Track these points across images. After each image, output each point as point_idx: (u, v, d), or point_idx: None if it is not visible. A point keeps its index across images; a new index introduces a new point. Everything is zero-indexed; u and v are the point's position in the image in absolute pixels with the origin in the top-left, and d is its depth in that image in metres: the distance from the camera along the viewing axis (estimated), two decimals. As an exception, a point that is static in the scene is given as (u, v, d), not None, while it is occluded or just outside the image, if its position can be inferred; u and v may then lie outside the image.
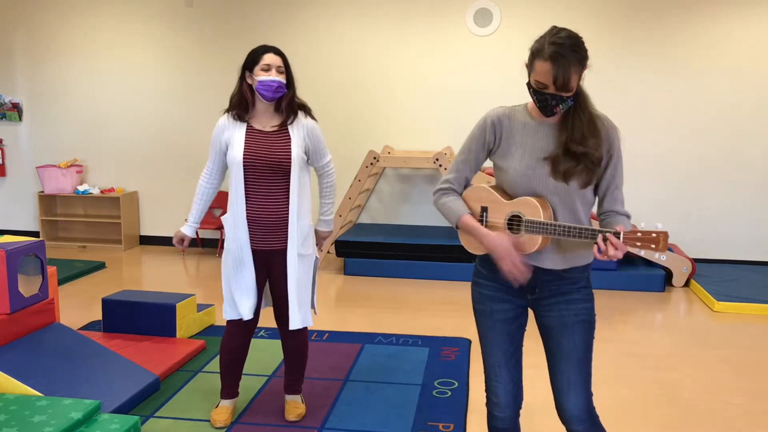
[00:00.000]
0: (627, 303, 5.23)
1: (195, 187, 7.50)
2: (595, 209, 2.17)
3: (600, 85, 6.19)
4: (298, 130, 2.93)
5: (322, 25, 6.58)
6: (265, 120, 2.92)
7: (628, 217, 2.08)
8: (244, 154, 2.83)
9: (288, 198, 2.90)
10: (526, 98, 2.08)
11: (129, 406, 3.14)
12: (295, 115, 2.93)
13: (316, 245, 3.10)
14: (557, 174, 2.00)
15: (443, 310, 4.98)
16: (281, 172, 2.87)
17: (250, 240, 2.90)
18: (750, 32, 6.05)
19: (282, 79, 2.85)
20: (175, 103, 6.90)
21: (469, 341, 4.26)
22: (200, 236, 7.06)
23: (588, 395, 2.11)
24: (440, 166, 5.79)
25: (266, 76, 2.82)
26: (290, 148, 2.87)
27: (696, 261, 5.98)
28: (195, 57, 6.78)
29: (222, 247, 6.76)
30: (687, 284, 5.74)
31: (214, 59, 6.70)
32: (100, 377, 3.20)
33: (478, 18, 6.36)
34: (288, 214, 2.91)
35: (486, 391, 2.24)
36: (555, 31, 1.92)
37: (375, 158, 5.91)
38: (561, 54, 1.87)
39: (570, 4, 6.22)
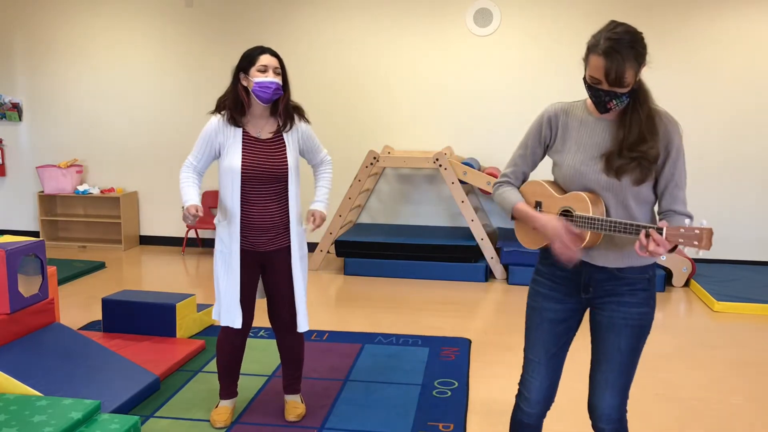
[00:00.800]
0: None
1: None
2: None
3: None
4: (293, 136, 2.93)
5: (321, 25, 6.58)
6: (261, 125, 2.88)
7: (690, 217, 1.98)
8: (242, 164, 2.81)
9: (284, 202, 2.91)
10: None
11: (129, 406, 3.14)
12: (292, 120, 2.91)
13: (312, 222, 3.00)
14: (610, 170, 1.97)
15: (443, 310, 4.98)
16: (278, 179, 2.87)
17: (243, 242, 2.90)
18: (752, 32, 6.05)
19: (279, 80, 2.82)
20: (176, 103, 6.90)
21: (469, 341, 4.26)
22: (200, 236, 7.06)
23: (623, 398, 2.11)
24: (440, 166, 5.79)
25: (263, 77, 2.78)
26: (286, 157, 2.87)
27: (696, 261, 5.98)
28: (195, 57, 6.78)
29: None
30: (687, 284, 5.74)
31: (214, 59, 6.70)
32: (100, 377, 3.20)
33: (478, 18, 6.36)
34: (285, 217, 2.92)
35: (519, 384, 2.24)
36: (612, 26, 1.90)
37: (375, 158, 5.90)
38: (616, 49, 1.84)
39: (570, 4, 6.22)
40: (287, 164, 2.86)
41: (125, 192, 7.05)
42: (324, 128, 6.53)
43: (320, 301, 5.17)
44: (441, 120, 6.50)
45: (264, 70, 2.79)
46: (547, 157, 2.18)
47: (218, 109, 2.90)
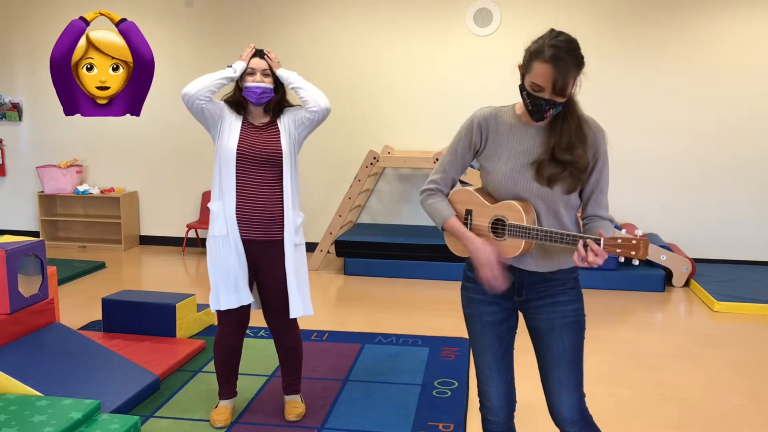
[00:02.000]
0: (627, 303, 5.22)
1: (195, 187, 7.46)
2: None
3: (601, 86, 6.21)
4: (286, 120, 2.97)
5: (321, 25, 6.58)
6: (257, 118, 2.96)
7: (612, 221, 2.05)
8: (238, 146, 2.86)
9: (279, 190, 2.92)
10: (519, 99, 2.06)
11: (129, 406, 3.14)
12: (280, 108, 2.97)
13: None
14: (541, 179, 1.97)
15: (443, 310, 4.98)
16: (273, 164, 2.89)
17: (240, 230, 2.90)
18: (752, 32, 6.05)
19: (268, 83, 2.87)
20: (176, 102, 6.89)
21: (469, 341, 4.25)
22: (200, 236, 7.06)
23: (580, 396, 2.10)
24: (440, 166, 5.78)
25: (251, 81, 2.86)
26: (280, 142, 2.91)
27: (696, 261, 5.98)
28: (195, 57, 6.78)
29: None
30: (687, 284, 5.73)
31: (214, 59, 6.70)
32: (100, 377, 3.20)
33: (478, 18, 6.36)
34: (280, 206, 2.92)
35: (479, 395, 2.23)
36: (554, 33, 1.89)
37: (375, 158, 5.90)
38: (561, 57, 1.84)
39: (570, 3, 6.22)
40: (281, 148, 2.90)
41: (125, 192, 7.05)
42: (324, 128, 6.50)
43: (320, 301, 5.17)
44: (441, 120, 6.50)
45: (252, 72, 2.87)
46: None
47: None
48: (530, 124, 2.03)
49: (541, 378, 2.14)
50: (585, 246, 1.85)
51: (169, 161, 7.01)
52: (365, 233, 6.17)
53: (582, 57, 1.89)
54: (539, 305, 2.08)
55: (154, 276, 6.05)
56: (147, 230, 7.24)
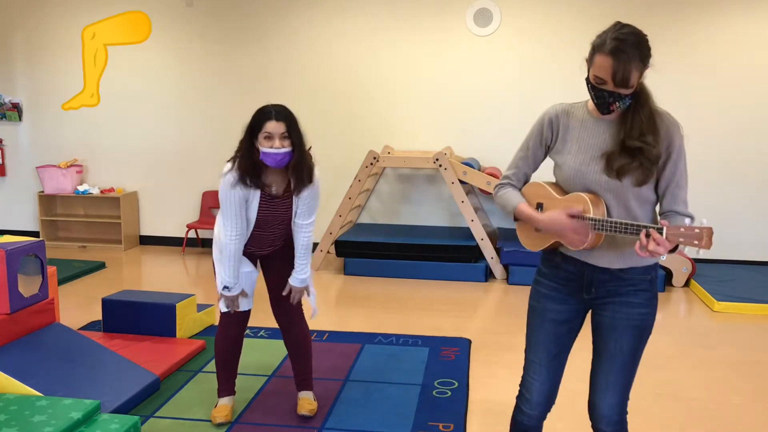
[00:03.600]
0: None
1: (195, 187, 7.48)
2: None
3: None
4: (298, 198, 2.95)
5: (321, 25, 6.58)
6: (275, 180, 2.89)
7: (691, 218, 1.97)
8: (257, 218, 2.90)
9: (288, 228, 3.03)
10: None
11: (129, 406, 3.14)
12: (302, 183, 2.87)
13: (290, 299, 3.07)
14: (611, 170, 1.96)
15: (443, 310, 4.98)
16: (282, 222, 2.99)
17: (249, 250, 3.04)
18: (752, 32, 6.05)
19: (286, 146, 2.77)
20: (175, 102, 6.90)
21: (469, 341, 4.26)
22: (200, 236, 7.06)
23: (624, 399, 2.11)
24: (440, 166, 5.79)
25: (268, 147, 2.75)
26: (292, 212, 2.97)
27: (696, 261, 5.98)
28: (195, 56, 6.78)
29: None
30: (687, 284, 5.73)
31: (214, 59, 6.70)
32: (100, 377, 3.20)
33: (478, 18, 6.36)
34: (288, 234, 3.06)
35: (520, 385, 2.23)
36: (618, 26, 1.90)
37: (375, 158, 5.90)
38: (622, 49, 1.84)
39: (570, 4, 6.22)
40: (291, 217, 2.98)
41: (125, 192, 7.04)
42: (324, 128, 6.54)
43: (320, 301, 5.17)
44: (441, 120, 6.49)
45: (269, 137, 2.76)
46: (548, 158, 2.18)
47: (236, 168, 2.82)
48: (601, 118, 2.02)
49: (590, 372, 2.14)
50: (647, 235, 1.83)
51: (169, 161, 7.01)
52: (365, 233, 6.17)
53: (647, 48, 1.88)
54: (607, 302, 2.07)
55: (154, 276, 6.04)
56: (147, 230, 7.24)
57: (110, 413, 2.83)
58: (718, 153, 6.21)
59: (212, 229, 6.70)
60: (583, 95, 2.05)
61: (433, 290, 5.51)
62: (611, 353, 2.07)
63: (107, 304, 4.11)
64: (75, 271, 5.79)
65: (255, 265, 3.08)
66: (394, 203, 6.74)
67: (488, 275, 5.88)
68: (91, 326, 4.42)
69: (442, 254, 5.81)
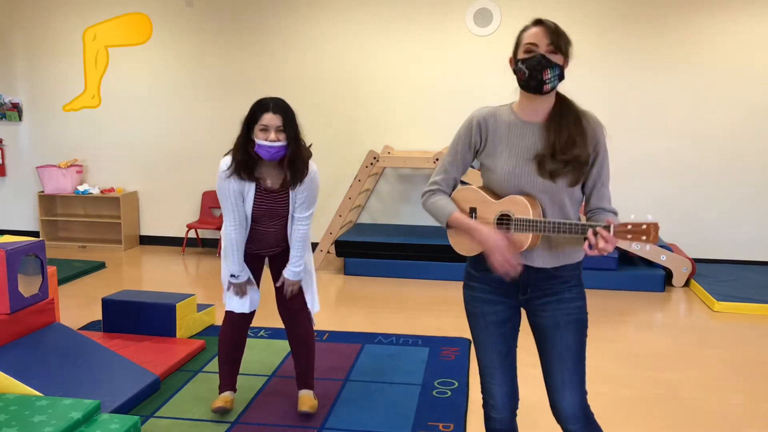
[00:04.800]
0: (627, 303, 5.22)
1: (195, 187, 7.47)
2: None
3: (601, 85, 6.21)
4: (295, 192, 2.97)
5: (321, 25, 6.58)
6: (271, 174, 2.92)
7: (615, 213, 2.07)
8: (253, 210, 2.93)
9: (285, 225, 3.06)
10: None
11: (129, 406, 3.14)
12: (298, 176, 2.89)
13: (284, 291, 3.11)
14: (544, 173, 1.99)
15: (443, 310, 4.98)
16: (280, 217, 3.02)
17: (249, 248, 3.07)
18: (752, 32, 6.05)
19: (282, 140, 2.78)
20: (175, 102, 6.90)
21: (469, 341, 4.25)
22: (200, 236, 7.06)
23: (582, 394, 2.11)
24: (440, 166, 5.78)
25: (264, 139, 2.77)
26: (289, 205, 2.99)
27: (696, 261, 5.98)
28: (195, 56, 6.78)
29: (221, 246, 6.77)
30: (687, 284, 5.73)
31: (214, 59, 6.70)
32: (100, 377, 3.20)
33: (478, 18, 6.36)
34: (286, 232, 3.08)
35: (482, 392, 2.24)
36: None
37: (375, 158, 5.90)
38: (548, 22, 1.99)
39: (570, 4, 6.21)
40: (288, 210, 3.00)
41: (125, 192, 7.05)
42: (324, 128, 6.54)
43: (320, 302, 5.16)
44: (441, 120, 6.49)
45: (265, 129, 2.78)
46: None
47: (233, 162, 2.87)
48: (528, 121, 2.05)
49: (543, 375, 2.15)
50: (595, 234, 1.86)
51: (169, 161, 7.01)
52: (365, 233, 6.17)
53: (567, 35, 2.02)
54: (544, 302, 2.09)
55: (154, 276, 6.04)
56: (147, 230, 7.24)
57: (110, 413, 2.83)
58: (718, 153, 6.21)
59: (212, 228, 6.72)
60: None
61: (433, 290, 5.51)
62: (560, 351, 2.08)
63: (107, 304, 4.11)
64: (75, 271, 5.79)
65: (262, 264, 3.16)
66: (394, 203, 6.74)
67: (488, 275, 5.87)
68: (91, 326, 4.42)
69: (442, 254, 5.81)
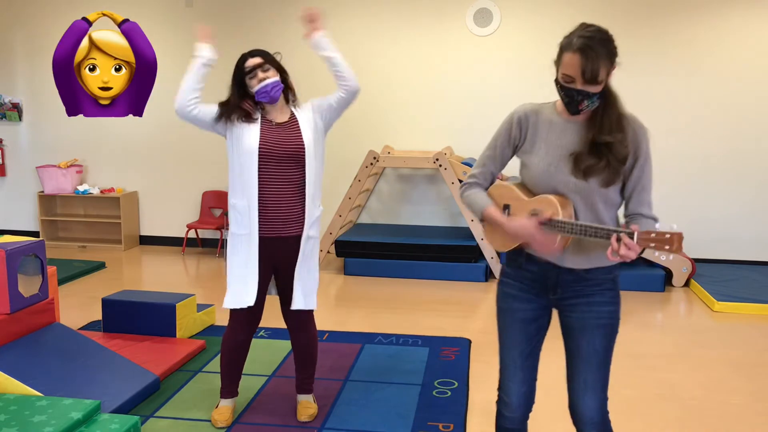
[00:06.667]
0: (627, 303, 5.19)
1: (195, 187, 7.46)
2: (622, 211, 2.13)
3: (600, 85, 6.21)
4: (305, 113, 2.96)
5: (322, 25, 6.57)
6: (276, 113, 2.94)
7: (655, 220, 2.02)
8: (259, 145, 2.82)
9: (301, 187, 2.91)
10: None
11: (129, 406, 3.14)
12: (295, 96, 2.99)
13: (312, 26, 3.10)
14: (578, 171, 1.97)
15: (443, 310, 4.98)
16: (295, 161, 2.87)
17: (261, 228, 2.87)
18: (753, 32, 6.05)
19: (271, 76, 2.86)
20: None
21: (469, 341, 4.26)
22: (200, 236, 7.06)
23: (603, 399, 2.10)
24: (440, 166, 5.79)
25: (257, 83, 2.84)
26: (302, 138, 2.89)
27: (696, 261, 5.98)
28: (195, 57, 6.77)
29: (222, 247, 6.77)
30: (687, 284, 5.73)
31: (214, 59, 6.69)
32: (100, 377, 3.20)
33: (478, 18, 6.36)
34: (302, 202, 2.91)
35: (498, 389, 2.24)
36: (584, 26, 1.92)
37: (375, 158, 5.90)
38: (590, 46, 1.86)
39: (570, 4, 6.22)
40: (303, 144, 2.88)
41: (125, 192, 7.05)
42: (324, 128, 6.53)
43: (320, 301, 5.17)
44: (441, 120, 6.50)
45: (252, 74, 2.86)
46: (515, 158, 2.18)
47: (224, 115, 2.91)
48: (570, 119, 2.03)
49: (567, 376, 2.14)
50: (618, 240, 1.83)
51: (169, 161, 7.01)
52: (365, 233, 6.17)
53: (614, 47, 1.90)
54: (574, 303, 2.08)
55: (154, 276, 6.05)
56: (147, 230, 7.24)
57: (110, 413, 2.83)
58: (718, 153, 6.21)
59: (212, 228, 6.72)
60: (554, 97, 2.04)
61: (433, 290, 5.51)
62: (585, 354, 2.07)
63: (107, 304, 4.11)
64: (75, 271, 5.79)
65: (269, 264, 2.96)
66: (394, 203, 6.74)
67: (488, 275, 5.88)
68: (91, 326, 4.42)
69: (442, 254, 5.81)
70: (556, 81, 1.96)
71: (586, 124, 2.01)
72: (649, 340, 4.41)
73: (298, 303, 2.98)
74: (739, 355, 4.15)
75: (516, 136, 2.10)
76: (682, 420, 3.25)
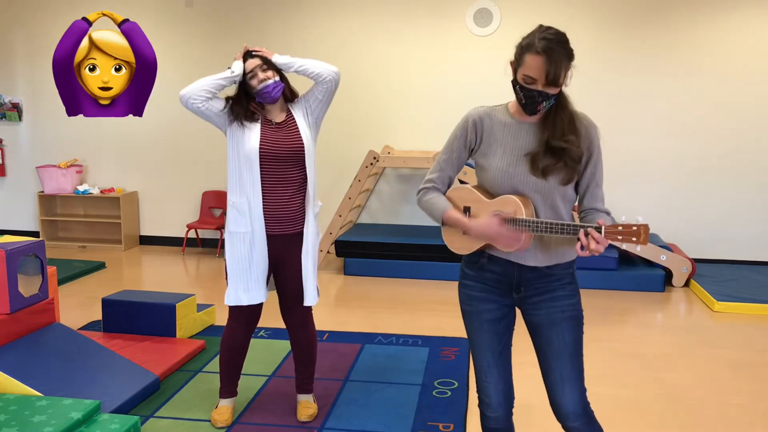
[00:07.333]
0: (627, 303, 5.23)
1: (195, 187, 7.46)
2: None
3: (601, 86, 6.21)
4: (299, 109, 2.99)
5: (322, 25, 6.58)
6: (275, 113, 2.97)
7: (608, 213, 2.09)
8: (260, 146, 2.86)
9: (302, 185, 2.96)
10: None
11: (129, 406, 3.14)
12: (293, 95, 3.01)
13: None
14: (537, 170, 2.00)
15: (443, 310, 4.98)
16: (295, 160, 2.92)
17: (266, 225, 2.91)
18: (751, 32, 6.05)
19: (271, 76, 2.89)
20: (176, 103, 6.86)
21: (468, 338, 4.25)
22: (200, 236, 7.06)
23: (582, 390, 2.11)
24: (440, 166, 5.79)
25: (258, 83, 2.88)
26: (301, 137, 2.93)
27: (696, 261, 5.98)
28: (195, 57, 6.78)
29: (221, 247, 6.77)
30: (687, 284, 5.73)
31: (214, 59, 6.69)
32: (100, 377, 3.20)
33: (478, 18, 6.37)
34: (303, 199, 2.97)
35: (477, 391, 2.24)
36: (544, 28, 1.94)
37: (375, 158, 5.91)
38: (553, 48, 1.89)
39: (570, 4, 6.22)
40: (302, 143, 2.93)
41: (125, 192, 7.05)
42: (324, 128, 6.51)
43: (320, 301, 5.17)
44: (441, 120, 6.49)
45: (253, 75, 2.89)
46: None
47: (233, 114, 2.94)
48: (524, 120, 2.07)
49: (542, 374, 2.15)
50: (586, 234, 1.88)
51: (169, 161, 7.01)
52: (365, 233, 6.17)
53: (571, 50, 1.94)
54: (538, 300, 2.10)
55: (154, 276, 6.05)
56: (147, 230, 7.24)
57: (110, 413, 2.83)
58: (718, 153, 6.21)
59: (212, 228, 6.72)
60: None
61: (433, 290, 5.51)
62: (557, 349, 2.09)
63: (107, 304, 4.11)
64: (75, 271, 5.80)
65: (272, 258, 2.98)
66: (394, 203, 6.74)
67: (488, 275, 5.87)
68: (91, 326, 4.42)
69: (442, 254, 5.81)
70: (514, 82, 1.99)
71: (539, 124, 2.05)
72: (649, 340, 4.41)
73: (311, 299, 3.03)
74: (739, 355, 4.15)
75: (472, 140, 2.12)
76: (682, 420, 3.25)
